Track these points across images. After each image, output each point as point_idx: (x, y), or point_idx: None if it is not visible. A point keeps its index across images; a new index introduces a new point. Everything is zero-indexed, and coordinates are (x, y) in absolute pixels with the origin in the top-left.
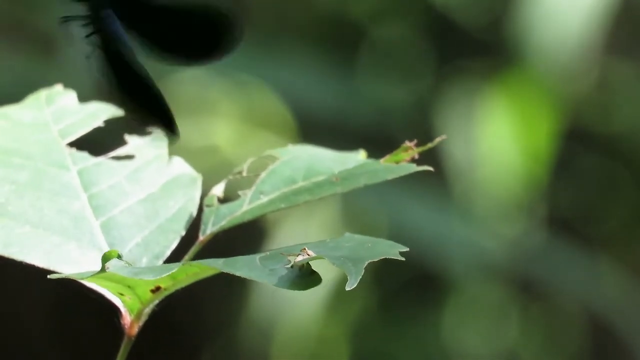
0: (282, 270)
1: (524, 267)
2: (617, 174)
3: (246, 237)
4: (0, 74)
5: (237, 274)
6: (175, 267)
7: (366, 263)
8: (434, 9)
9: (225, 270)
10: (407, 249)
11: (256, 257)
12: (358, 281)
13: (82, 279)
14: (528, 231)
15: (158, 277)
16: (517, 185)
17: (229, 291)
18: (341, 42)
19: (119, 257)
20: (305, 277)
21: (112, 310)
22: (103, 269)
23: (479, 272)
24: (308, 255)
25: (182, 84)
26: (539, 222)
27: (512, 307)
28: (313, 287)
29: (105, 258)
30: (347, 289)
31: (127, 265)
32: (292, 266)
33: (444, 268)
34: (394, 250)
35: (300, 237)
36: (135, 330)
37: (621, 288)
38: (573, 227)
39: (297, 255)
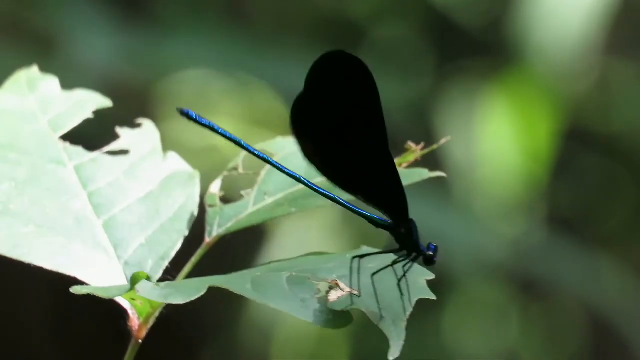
0: (314, 304)
1: (524, 267)
2: (617, 174)
3: (247, 233)
4: (1, 71)
5: (271, 305)
6: (204, 289)
7: (406, 321)
8: (434, 9)
9: (256, 300)
10: (434, 276)
11: (283, 279)
12: (401, 348)
13: (109, 297)
14: (528, 231)
15: (188, 300)
16: (517, 185)
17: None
18: (341, 42)
19: (148, 278)
20: (338, 315)
21: (113, 311)
22: (132, 289)
23: (480, 272)
24: (340, 289)
25: (182, 84)
26: (539, 222)
27: (512, 307)
28: (345, 326)
29: (134, 280)
30: (390, 358)
31: (155, 286)
32: (325, 304)
33: (445, 268)
34: (423, 283)
35: (301, 236)
36: (143, 333)
37: (621, 287)
38: (573, 227)
39: (329, 289)
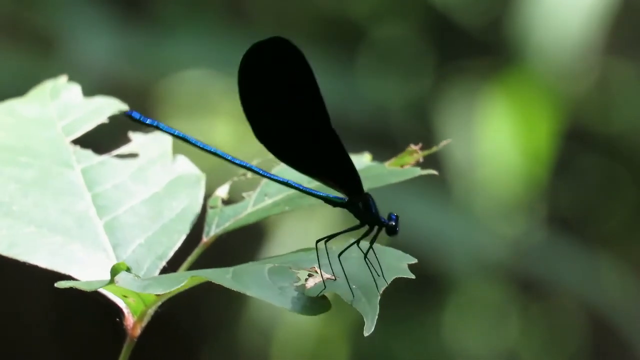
0: (292, 291)
1: (524, 267)
2: (617, 174)
3: (246, 233)
4: (1, 70)
5: (248, 293)
6: (184, 280)
7: (379, 296)
8: (434, 9)
9: (235, 288)
10: (416, 261)
11: (265, 269)
12: (375, 323)
13: (91, 289)
14: (528, 231)
15: (167, 291)
16: (517, 185)
17: (229, 291)
18: (341, 41)
19: (128, 269)
20: (315, 301)
21: (114, 311)
22: (112, 282)
23: (480, 272)
24: (317, 274)
25: (182, 84)
26: (539, 222)
27: (512, 307)
28: (322, 312)
29: (114, 271)
30: (366, 334)
31: (135, 277)
32: (303, 292)
33: (445, 268)
34: (403, 266)
35: (301, 236)
36: (138, 331)
37: (621, 287)
38: (573, 227)
39: (308, 277)
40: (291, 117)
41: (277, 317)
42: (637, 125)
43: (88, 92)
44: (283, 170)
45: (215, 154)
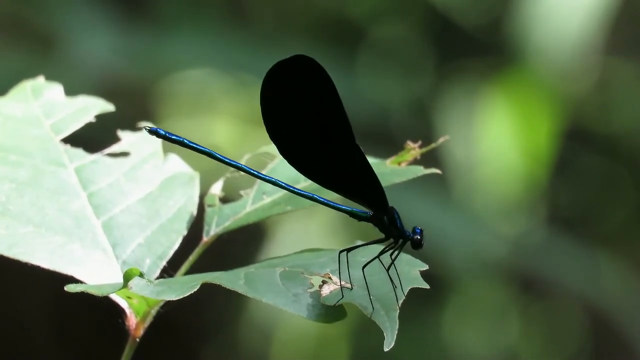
0: (307, 298)
1: (525, 266)
2: (617, 174)
3: (246, 232)
4: (1, 69)
5: (263, 300)
6: (196, 285)
7: (398, 310)
8: (434, 9)
9: (249, 295)
10: (427, 267)
11: (276, 274)
12: (395, 337)
13: (102, 294)
14: (528, 230)
15: (181, 297)
16: (517, 185)
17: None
18: (341, 41)
19: (141, 275)
20: (331, 309)
21: (115, 311)
22: (125, 287)
23: (480, 271)
24: (332, 281)
25: (182, 83)
26: (539, 221)
27: (512, 307)
28: (338, 320)
29: (127, 277)
30: (386, 349)
31: (148, 283)
32: (318, 299)
33: (445, 267)
34: (416, 274)
35: (301, 235)
36: (140, 331)
37: (621, 286)
38: (573, 227)
39: (322, 283)
40: (315, 134)
41: (277, 317)
42: (637, 125)
43: (88, 91)
44: (277, 168)
45: (239, 167)
